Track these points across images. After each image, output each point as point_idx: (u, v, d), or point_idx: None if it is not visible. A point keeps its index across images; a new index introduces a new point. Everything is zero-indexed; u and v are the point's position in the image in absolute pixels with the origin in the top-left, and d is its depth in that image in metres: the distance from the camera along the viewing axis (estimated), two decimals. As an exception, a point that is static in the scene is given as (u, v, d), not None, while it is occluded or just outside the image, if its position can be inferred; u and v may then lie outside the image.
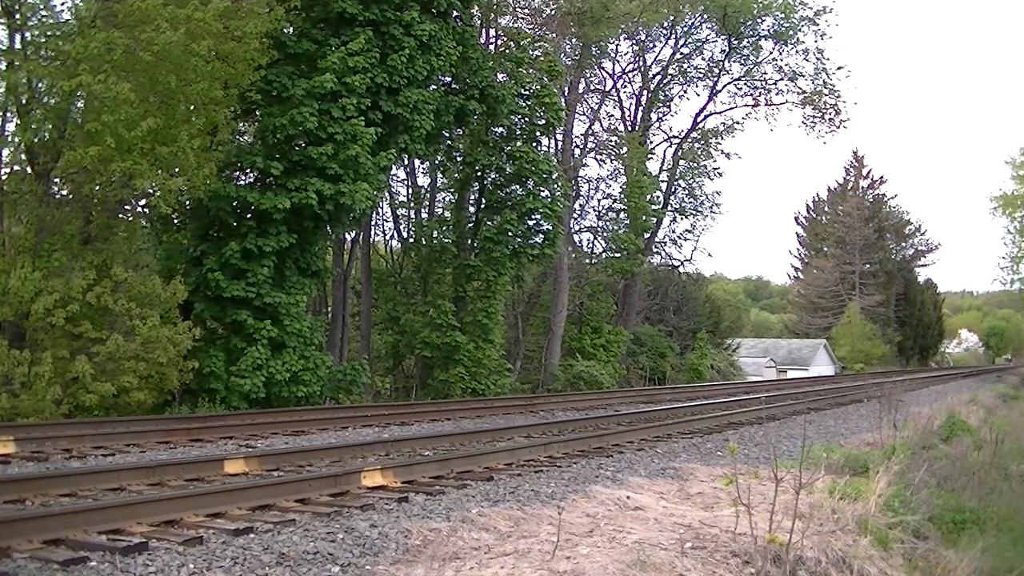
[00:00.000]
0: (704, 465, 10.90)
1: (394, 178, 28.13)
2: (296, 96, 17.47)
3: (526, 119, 24.99)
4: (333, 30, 18.80)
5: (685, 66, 38.96)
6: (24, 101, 15.05)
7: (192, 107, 15.97)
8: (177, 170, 15.32)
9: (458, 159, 25.17)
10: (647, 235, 36.26)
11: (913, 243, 79.24)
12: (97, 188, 15.00)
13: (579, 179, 35.02)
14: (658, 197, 37.28)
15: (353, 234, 23.76)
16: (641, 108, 38.17)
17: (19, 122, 15.24)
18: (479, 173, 25.05)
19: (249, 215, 17.62)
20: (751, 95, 39.26)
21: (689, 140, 39.33)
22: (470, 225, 25.52)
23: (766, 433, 14.75)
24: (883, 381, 24.18)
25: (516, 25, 28.44)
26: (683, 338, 42.86)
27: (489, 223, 24.78)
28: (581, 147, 35.22)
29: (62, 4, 23.02)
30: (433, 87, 20.72)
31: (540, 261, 26.68)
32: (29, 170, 15.21)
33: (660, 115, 39.47)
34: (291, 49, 18.35)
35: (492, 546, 6.16)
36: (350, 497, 7.81)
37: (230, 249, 16.99)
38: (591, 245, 36.68)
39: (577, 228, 35.65)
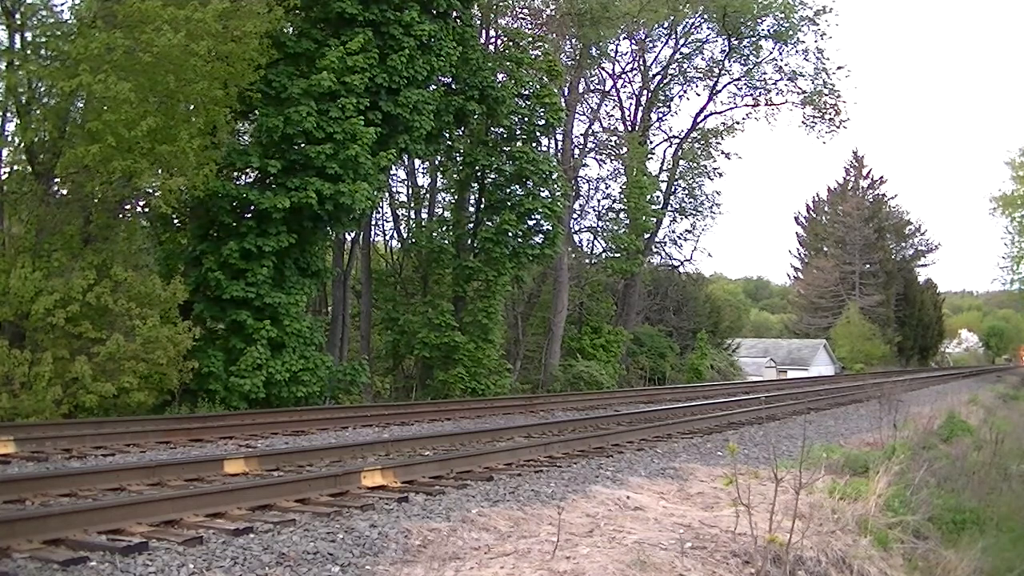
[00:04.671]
0: (704, 465, 10.89)
1: (394, 178, 28.16)
2: (294, 95, 17.47)
3: (526, 119, 24.97)
4: (333, 30, 18.80)
5: (685, 66, 38.99)
6: (24, 101, 15.06)
7: (192, 107, 15.98)
8: (176, 169, 15.31)
9: (458, 159, 25.16)
10: (647, 235, 36.23)
11: (913, 243, 79.39)
12: (97, 188, 15.00)
13: (579, 179, 35.03)
14: (658, 197, 37.27)
15: (353, 234, 23.75)
16: (641, 108, 38.17)
17: (19, 122, 15.25)
18: (479, 173, 25.04)
19: (248, 215, 17.61)
20: (751, 95, 39.30)
21: (689, 140, 39.35)
22: (470, 225, 25.51)
23: (766, 433, 14.75)
24: (883, 381, 24.16)
25: (516, 25, 28.44)
26: (683, 338, 42.87)
27: (489, 223, 24.77)
28: (581, 147, 35.22)
29: (62, 4, 23.05)
30: (433, 87, 20.72)
31: (540, 261, 26.67)
32: (29, 170, 15.22)
33: (660, 115, 39.52)
34: (291, 49, 18.35)
35: (492, 546, 6.16)
36: (350, 497, 7.81)
37: (229, 249, 16.99)
38: (591, 245, 36.73)
39: (577, 228, 35.66)
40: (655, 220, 36.70)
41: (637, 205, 33.28)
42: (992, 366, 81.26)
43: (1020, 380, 46.87)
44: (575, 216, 34.78)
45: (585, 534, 6.55)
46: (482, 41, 25.50)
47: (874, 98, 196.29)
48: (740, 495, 6.04)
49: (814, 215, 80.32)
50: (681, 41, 38.13)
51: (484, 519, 7.00)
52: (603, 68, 37.52)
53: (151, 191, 16.33)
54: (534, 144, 25.66)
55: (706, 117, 39.29)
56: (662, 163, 39.27)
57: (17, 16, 15.20)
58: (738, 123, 43.04)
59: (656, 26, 36.13)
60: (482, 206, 25.37)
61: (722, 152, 39.20)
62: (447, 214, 27.75)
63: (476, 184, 25.49)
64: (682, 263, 42.85)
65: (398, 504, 7.63)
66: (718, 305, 52.78)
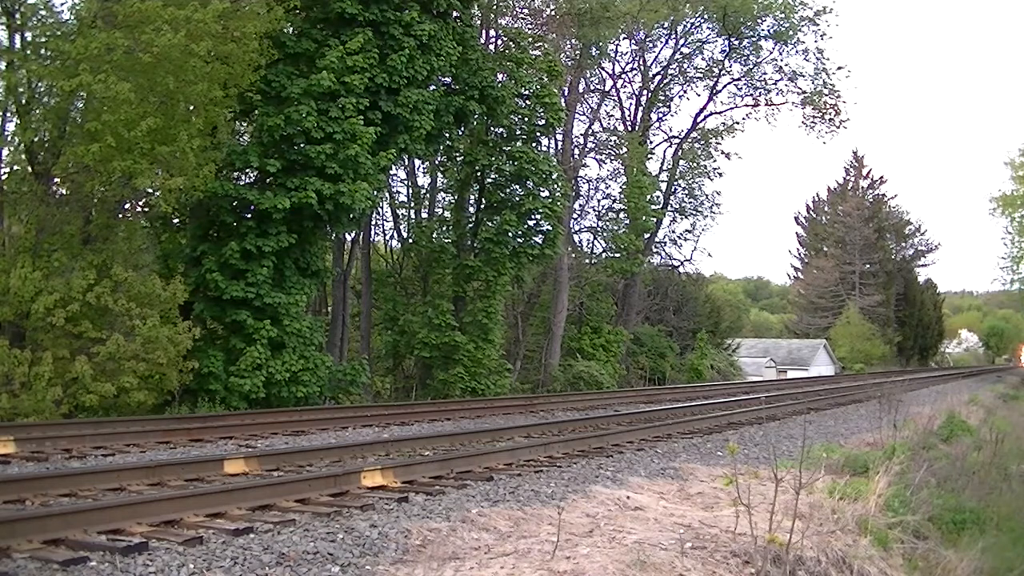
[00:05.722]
0: (704, 465, 10.90)
1: (394, 178, 28.16)
2: (294, 95, 17.47)
3: (526, 119, 24.98)
4: (333, 30, 18.79)
5: (685, 66, 39.02)
6: (24, 101, 15.05)
7: (192, 107, 15.97)
8: (176, 170, 15.30)
9: (458, 159, 25.17)
10: (647, 235, 36.25)
11: (913, 243, 79.37)
12: (97, 188, 15.00)
13: (579, 179, 35.04)
14: (658, 197, 37.29)
15: (353, 234, 23.76)
16: (641, 108, 38.19)
17: (19, 122, 15.24)
18: (479, 173, 25.04)
19: (249, 215, 17.62)
20: (751, 95, 39.32)
21: (689, 140, 39.36)
22: (470, 225, 25.52)
23: (766, 433, 14.75)
24: (883, 381, 24.15)
25: (516, 25, 28.44)
26: (683, 338, 42.86)
27: (489, 223, 24.78)
28: (581, 147, 35.22)
29: (62, 4, 23.04)
30: (433, 87, 20.71)
31: (540, 261, 26.67)
32: (29, 170, 15.21)
33: (660, 115, 39.55)
34: (291, 49, 18.34)
35: (492, 546, 6.16)
36: (350, 497, 7.80)
37: (230, 249, 16.98)
38: (591, 245, 36.73)
39: (577, 228, 35.67)
40: (655, 220, 36.71)
41: (637, 205, 33.27)
42: (992, 366, 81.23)
43: (1020, 380, 46.86)
44: (575, 216, 34.80)
45: (585, 534, 6.55)
46: (482, 41, 25.50)
47: (874, 98, 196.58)
48: (740, 495, 6.05)
49: (814, 215, 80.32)
50: (681, 41, 38.19)
51: (484, 519, 7.00)
52: (603, 68, 37.56)
53: (151, 191, 16.32)
54: (534, 144, 25.65)
55: (706, 117, 39.37)
56: (662, 163, 39.36)
57: (17, 16, 15.20)
58: (738, 123, 43.12)
59: (656, 26, 36.14)
60: (482, 206, 25.38)
61: (722, 152, 39.24)
62: (447, 214, 27.76)
63: (476, 184, 25.49)
64: (682, 263, 42.94)
65: (398, 504, 7.63)
66: (718, 305, 52.78)
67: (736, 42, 37.35)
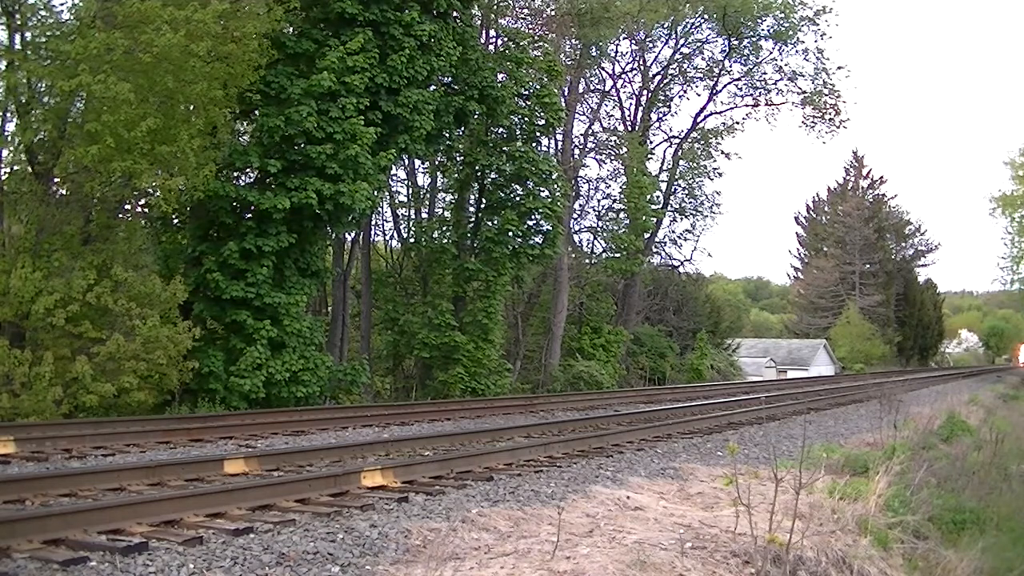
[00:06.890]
0: (704, 465, 10.90)
1: (394, 178, 28.16)
2: (294, 95, 17.47)
3: (526, 119, 24.99)
4: (333, 30, 18.80)
5: (685, 66, 39.04)
6: (24, 101, 15.03)
7: (191, 107, 15.96)
8: (176, 170, 15.30)
9: (458, 159, 25.17)
10: (647, 235, 36.26)
11: (913, 243, 79.37)
12: (97, 188, 15.00)
13: (579, 179, 35.04)
14: (658, 197, 37.30)
15: (353, 234, 23.76)
16: (641, 108, 38.20)
17: (19, 122, 15.23)
18: (479, 173, 25.05)
19: (248, 215, 17.62)
20: (751, 95, 39.37)
21: (689, 140, 39.38)
22: (470, 225, 25.52)
23: (766, 433, 14.74)
24: (883, 381, 24.17)
25: (516, 25, 28.44)
26: (683, 338, 42.87)
27: (489, 223, 24.79)
28: (581, 147, 35.23)
29: (62, 4, 23.04)
30: (433, 87, 20.72)
31: (540, 261, 26.69)
32: (29, 170, 15.21)
33: (660, 115, 39.57)
34: (291, 49, 18.34)
35: (492, 546, 6.16)
36: (350, 497, 7.81)
37: (229, 249, 16.99)
38: (591, 245, 36.73)
39: (577, 228, 35.67)
40: (655, 220, 36.73)
41: (637, 205, 33.28)
42: (992, 366, 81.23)
43: (1020, 380, 46.86)
44: (575, 216, 34.79)
45: (585, 534, 6.55)
46: (482, 41, 25.51)
47: (874, 98, 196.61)
48: (740, 495, 6.05)
49: (814, 215, 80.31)
50: (681, 41, 38.22)
51: (484, 519, 7.00)
52: (603, 68, 37.58)
53: (151, 191, 16.32)
54: (534, 144, 25.66)
55: (706, 117, 39.40)
56: (662, 163, 39.38)
57: (17, 16, 15.19)
58: (738, 123, 43.16)
59: (656, 26, 36.16)
60: (482, 206, 25.39)
61: (722, 152, 39.30)
62: (447, 214, 27.75)
63: (476, 184, 25.50)
64: (682, 263, 42.94)
65: (398, 504, 7.63)
66: (718, 305, 52.80)
67: (736, 42, 37.37)
